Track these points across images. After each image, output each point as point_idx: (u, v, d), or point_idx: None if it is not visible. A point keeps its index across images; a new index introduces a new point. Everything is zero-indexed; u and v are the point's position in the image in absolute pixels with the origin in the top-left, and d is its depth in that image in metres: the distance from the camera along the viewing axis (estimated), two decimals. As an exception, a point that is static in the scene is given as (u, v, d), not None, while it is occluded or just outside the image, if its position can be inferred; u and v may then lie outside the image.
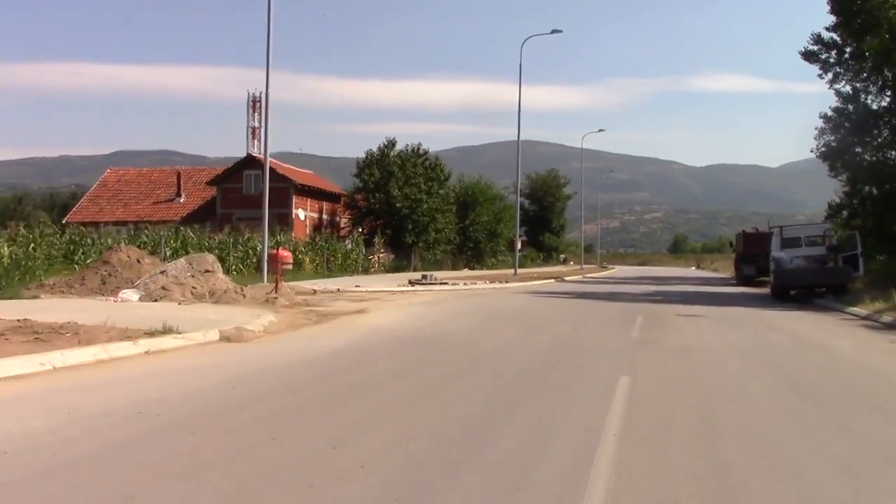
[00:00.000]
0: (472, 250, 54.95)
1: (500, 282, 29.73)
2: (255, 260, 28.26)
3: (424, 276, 26.64)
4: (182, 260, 18.20)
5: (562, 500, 3.88)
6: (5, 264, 18.12)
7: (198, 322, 10.83)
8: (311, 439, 4.99)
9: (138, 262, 18.23)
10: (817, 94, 40.22)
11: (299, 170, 48.12)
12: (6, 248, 19.55)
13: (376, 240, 42.66)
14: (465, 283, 26.85)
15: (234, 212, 42.50)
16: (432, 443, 4.96)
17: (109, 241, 26.86)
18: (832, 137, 27.16)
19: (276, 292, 18.18)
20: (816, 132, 27.37)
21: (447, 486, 4.04)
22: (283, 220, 42.21)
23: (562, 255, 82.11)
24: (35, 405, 5.78)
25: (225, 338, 10.09)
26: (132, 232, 31.92)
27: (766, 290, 28.21)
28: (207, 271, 17.53)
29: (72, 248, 26.29)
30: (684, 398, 6.79)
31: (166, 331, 9.47)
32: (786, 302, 21.85)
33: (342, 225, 48.60)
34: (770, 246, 25.22)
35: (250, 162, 43.59)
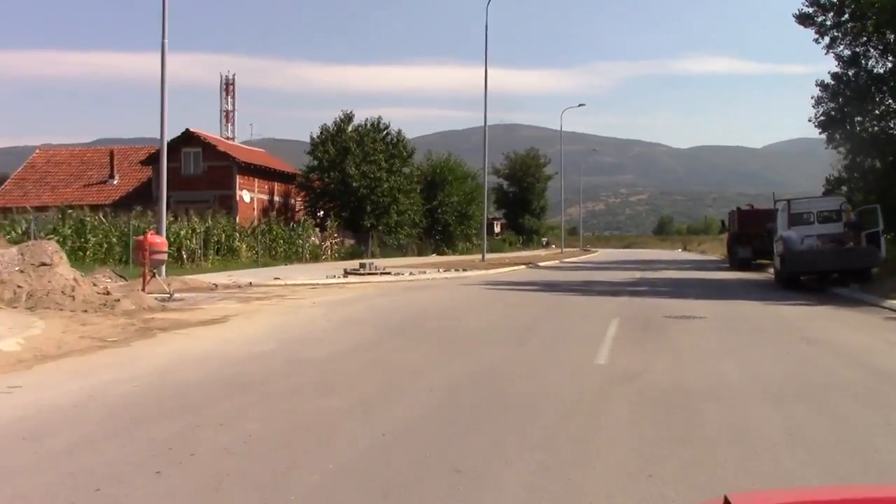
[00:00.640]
0: (440, 234, 50.06)
1: (460, 270, 25.47)
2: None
3: (363, 265, 22.32)
4: (14, 249, 13.87)
5: None
6: None
7: None
8: None
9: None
10: (803, 75, 37.09)
11: (247, 147, 43.47)
12: None
13: (329, 223, 38.20)
14: (411, 273, 22.52)
15: (173, 194, 37.56)
16: None
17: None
18: (831, 105, 24.97)
19: (144, 289, 14.11)
20: (813, 101, 25.33)
21: None
22: (225, 202, 37.51)
23: (544, 239, 77.66)
24: None
25: None
26: (58, 217, 27.07)
27: (766, 276, 24.34)
28: (44, 264, 13.20)
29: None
30: None
31: None
32: (796, 291, 17.82)
33: (298, 208, 43.98)
34: (771, 224, 21.23)
35: (189, 139, 38.61)
